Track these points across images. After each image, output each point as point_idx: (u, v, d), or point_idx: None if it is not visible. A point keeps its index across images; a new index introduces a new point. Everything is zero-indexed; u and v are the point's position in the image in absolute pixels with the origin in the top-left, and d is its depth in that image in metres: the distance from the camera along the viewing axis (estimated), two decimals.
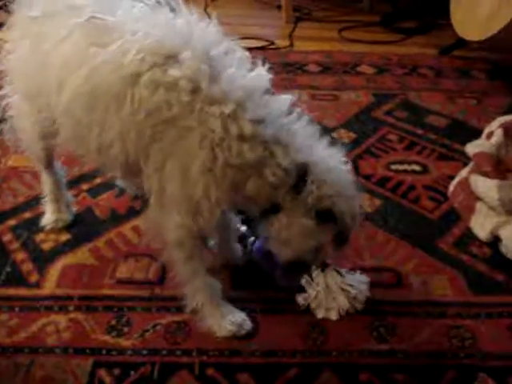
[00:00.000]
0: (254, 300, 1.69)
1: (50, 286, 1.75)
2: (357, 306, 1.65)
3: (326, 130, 2.39)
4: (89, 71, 1.38)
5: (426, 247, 1.89)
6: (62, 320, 1.64)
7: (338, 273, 1.68)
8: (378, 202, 2.10)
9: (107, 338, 1.59)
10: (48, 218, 1.97)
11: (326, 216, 1.45)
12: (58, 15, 1.48)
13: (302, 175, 1.41)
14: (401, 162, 2.32)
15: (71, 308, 1.68)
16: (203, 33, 1.40)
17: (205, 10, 3.83)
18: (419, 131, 2.54)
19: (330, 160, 1.47)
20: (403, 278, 1.77)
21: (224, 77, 1.34)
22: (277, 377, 1.48)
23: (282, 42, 3.42)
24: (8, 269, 1.81)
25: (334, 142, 1.52)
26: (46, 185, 1.97)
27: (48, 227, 1.96)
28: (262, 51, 3.30)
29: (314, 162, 1.42)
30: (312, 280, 1.66)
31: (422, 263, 1.83)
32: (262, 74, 1.41)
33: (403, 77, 3.02)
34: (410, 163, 2.32)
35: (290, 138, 1.40)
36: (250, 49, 3.10)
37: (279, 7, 3.78)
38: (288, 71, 3.07)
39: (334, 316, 1.63)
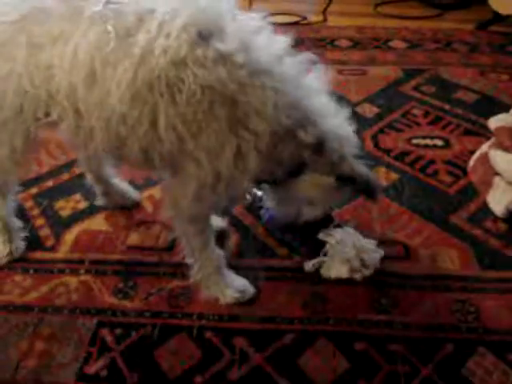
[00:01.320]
0: (258, 267, 1.71)
1: (64, 250, 1.81)
2: (364, 271, 1.65)
3: (349, 104, 2.42)
4: (136, 62, 1.25)
5: (439, 221, 1.87)
6: (72, 282, 1.70)
7: (354, 232, 1.71)
8: (394, 175, 2.08)
9: (113, 300, 1.64)
10: (1, 251, 1.77)
11: (345, 177, 1.47)
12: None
13: (322, 137, 1.41)
14: (423, 137, 2.29)
15: (82, 271, 1.73)
16: (219, 5, 1.33)
17: None
18: (446, 106, 2.49)
19: (344, 124, 1.47)
20: (411, 251, 1.76)
21: (258, 48, 1.30)
22: (272, 342, 1.50)
23: (315, 18, 3.39)
24: (27, 234, 1.87)
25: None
26: None
27: (4, 261, 1.77)
28: (294, 26, 3.28)
29: (333, 125, 1.43)
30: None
31: (432, 237, 1.81)
32: (282, 40, 1.38)
33: (436, 52, 2.96)
34: (432, 138, 2.28)
35: (316, 102, 1.40)
36: (282, 24, 3.17)
37: None
38: (318, 46, 3.06)
39: (344, 274, 1.64)
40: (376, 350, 1.48)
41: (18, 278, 1.73)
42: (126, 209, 1.97)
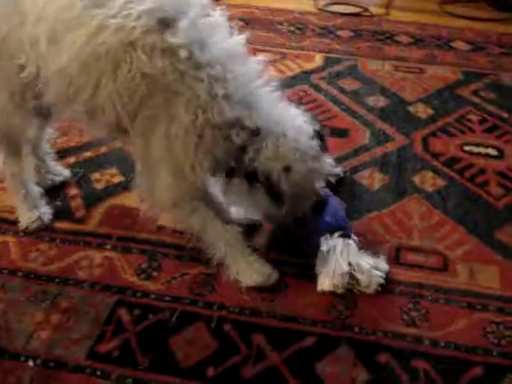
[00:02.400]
0: (286, 263, 1.65)
1: (93, 223, 1.79)
2: (356, 287, 1.55)
3: (402, 103, 2.33)
4: (90, 33, 1.35)
5: (483, 235, 1.76)
6: (96, 256, 1.68)
7: (356, 247, 1.61)
8: (441, 182, 1.98)
9: (135, 279, 1.61)
10: (29, 217, 1.77)
11: (252, 177, 1.48)
12: None
13: (251, 137, 1.45)
14: (476, 145, 2.17)
15: (108, 246, 1.71)
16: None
17: None
18: (504, 115, 2.37)
19: (287, 125, 1.48)
20: (450, 264, 1.67)
21: (210, 43, 1.40)
22: (292, 343, 1.44)
23: (377, 10, 3.28)
24: (58, 202, 1.86)
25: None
26: (12, 180, 1.78)
27: (34, 226, 1.77)
28: (355, 17, 3.19)
29: (267, 126, 1.45)
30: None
31: (474, 251, 1.71)
32: (239, 40, 1.48)
33: (499, 56, 2.82)
34: (486, 146, 2.17)
35: (257, 101, 1.45)
36: (342, 14, 3.07)
37: None
38: (377, 40, 2.96)
39: (327, 286, 1.55)
40: (399, 364, 1.40)
41: (43, 246, 1.71)
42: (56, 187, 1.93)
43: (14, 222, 1.80)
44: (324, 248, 1.59)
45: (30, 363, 1.40)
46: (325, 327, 1.48)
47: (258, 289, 1.57)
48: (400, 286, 1.59)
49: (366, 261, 1.56)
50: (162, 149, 1.44)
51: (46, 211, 1.80)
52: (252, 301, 1.55)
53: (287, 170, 1.47)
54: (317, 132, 1.54)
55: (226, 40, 1.45)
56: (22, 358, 1.41)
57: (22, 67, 1.48)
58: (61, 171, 1.95)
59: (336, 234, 1.61)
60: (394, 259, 1.67)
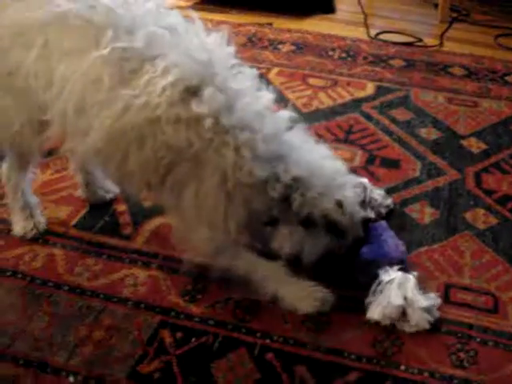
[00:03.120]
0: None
1: (140, 241, 1.80)
2: (404, 326, 1.52)
3: (455, 136, 2.30)
4: (116, 114, 1.40)
5: None
6: (141, 275, 1.68)
7: (414, 283, 1.56)
8: (493, 220, 1.93)
9: (180, 300, 1.60)
10: (24, 227, 1.79)
11: (308, 222, 1.51)
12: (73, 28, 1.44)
13: (292, 186, 1.48)
14: None
15: (154, 265, 1.71)
16: (220, 59, 1.47)
17: (359, 0, 3.75)
18: None
19: (321, 167, 1.54)
20: (501, 306, 1.61)
21: (238, 107, 1.43)
22: (336, 377, 1.41)
23: (431, 41, 3.25)
24: (107, 218, 1.87)
25: None
26: (12, 189, 1.81)
27: (30, 235, 1.79)
28: (408, 47, 3.16)
29: (305, 174, 1.49)
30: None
31: None
32: (268, 97, 1.51)
33: None
34: None
35: (289, 153, 1.49)
36: (396, 43, 3.06)
37: (436, 6, 3.59)
38: (430, 71, 2.92)
39: (375, 315, 1.52)
40: None
41: (90, 261, 1.72)
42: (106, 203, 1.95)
43: (63, 235, 1.82)
44: (383, 278, 1.56)
45: (71, 379, 1.39)
46: (370, 363, 1.45)
47: (303, 319, 1.54)
48: (448, 325, 1.55)
49: (421, 300, 1.52)
50: (193, 208, 1.48)
51: (40, 220, 1.82)
52: (296, 331, 1.52)
53: (339, 204, 1.48)
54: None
55: (254, 100, 1.47)
56: (63, 373, 1.41)
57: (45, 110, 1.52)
58: (111, 187, 1.96)
59: (395, 267, 1.58)
60: (443, 297, 1.62)
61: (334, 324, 1.54)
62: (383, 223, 1.72)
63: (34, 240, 1.80)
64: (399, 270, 1.58)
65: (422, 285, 1.60)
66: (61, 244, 1.78)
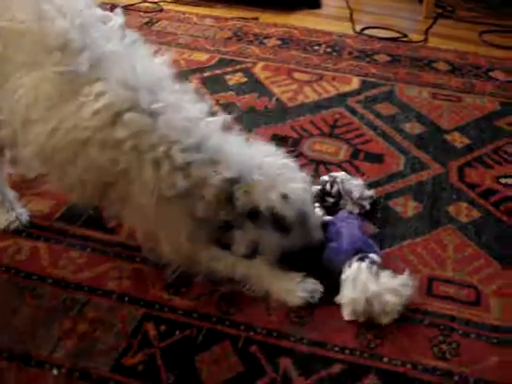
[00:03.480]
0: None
1: (124, 235, 1.79)
2: (375, 316, 1.51)
3: (439, 132, 2.31)
4: (49, 131, 1.49)
5: None
6: (126, 268, 1.67)
7: (374, 268, 1.55)
8: (476, 213, 1.95)
9: (164, 294, 1.60)
10: (6, 219, 1.80)
11: (255, 215, 1.53)
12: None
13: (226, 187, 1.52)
14: None
15: (138, 259, 1.70)
16: (155, 82, 1.55)
17: None
18: None
19: (261, 164, 1.57)
20: (483, 298, 1.63)
21: (161, 124, 1.49)
22: (319, 369, 1.41)
23: (416, 36, 3.27)
24: (91, 211, 1.86)
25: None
26: None
27: (13, 226, 1.80)
28: (393, 42, 3.18)
29: (242, 173, 1.53)
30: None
31: (508, 286, 1.67)
32: (199, 107, 1.59)
33: None
34: None
35: (220, 156, 1.53)
36: (381, 39, 3.06)
37: (421, 1, 3.60)
38: (415, 66, 2.94)
39: (345, 315, 1.52)
40: None
41: (74, 254, 1.72)
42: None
43: (46, 228, 1.81)
44: (342, 276, 1.56)
45: (55, 372, 1.39)
46: (353, 355, 1.45)
47: (287, 311, 1.55)
48: (431, 317, 1.56)
49: (376, 284, 1.50)
50: (141, 224, 1.60)
51: (22, 212, 1.83)
52: (279, 323, 1.53)
53: (285, 197, 1.50)
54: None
55: (179, 115, 1.52)
56: (47, 366, 1.40)
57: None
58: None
59: (354, 259, 1.57)
60: (426, 290, 1.64)
61: (317, 316, 1.55)
62: (342, 214, 1.73)
63: (18, 233, 1.79)
64: (357, 260, 1.56)
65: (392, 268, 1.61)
66: (44, 237, 1.78)
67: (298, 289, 1.56)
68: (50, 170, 1.62)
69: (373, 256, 1.59)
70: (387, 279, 1.53)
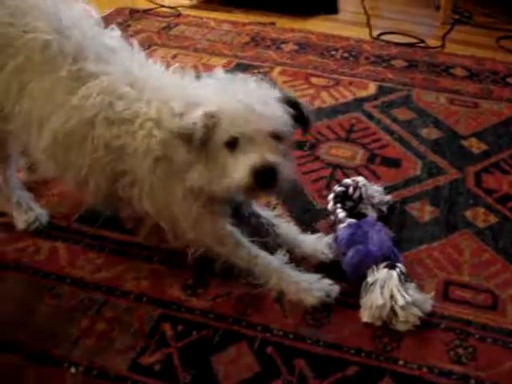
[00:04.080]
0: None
1: (143, 235, 1.80)
2: (393, 322, 1.52)
3: (456, 136, 2.31)
4: (63, 116, 1.56)
5: None
6: (144, 269, 1.69)
7: (402, 278, 1.56)
8: (493, 218, 1.94)
9: (181, 294, 1.61)
10: (26, 220, 1.83)
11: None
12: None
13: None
14: None
15: (156, 259, 1.71)
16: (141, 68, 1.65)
17: (362, 0, 3.77)
18: None
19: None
20: (500, 303, 1.63)
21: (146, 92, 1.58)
22: (335, 371, 1.42)
23: (433, 42, 3.27)
24: (109, 212, 1.88)
25: None
26: (4, 185, 1.85)
27: (33, 226, 1.83)
28: (410, 48, 3.18)
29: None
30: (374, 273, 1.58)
31: None
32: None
33: None
34: None
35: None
36: (398, 44, 3.07)
37: (439, 7, 3.61)
38: (432, 72, 2.94)
39: (365, 317, 1.53)
40: None
41: (92, 255, 1.74)
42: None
43: (65, 229, 1.83)
44: (368, 279, 1.57)
45: (73, 370, 1.41)
46: (368, 357, 1.46)
47: (304, 313, 1.56)
48: (447, 322, 1.56)
49: (406, 296, 1.52)
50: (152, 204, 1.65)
51: (41, 212, 1.85)
52: (296, 325, 1.53)
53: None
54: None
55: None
56: (65, 365, 1.42)
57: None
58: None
59: (381, 265, 1.58)
60: (443, 294, 1.64)
61: (333, 318, 1.55)
62: (369, 219, 1.73)
63: (37, 234, 1.81)
64: (385, 266, 1.57)
65: (422, 282, 1.62)
66: (63, 238, 1.80)
67: (315, 288, 1.56)
68: (63, 163, 1.64)
69: (401, 266, 1.59)
70: (413, 292, 1.55)
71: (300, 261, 1.69)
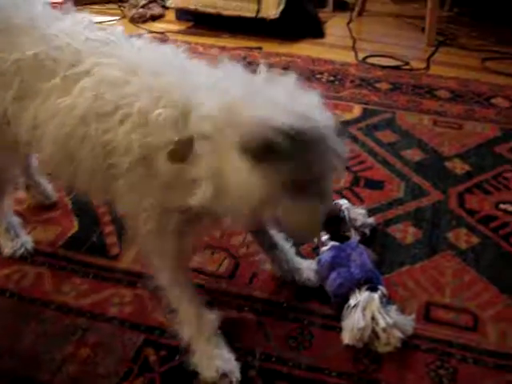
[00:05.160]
0: (314, 313, 1.65)
1: (126, 261, 1.83)
2: (375, 344, 1.53)
3: (439, 158, 2.34)
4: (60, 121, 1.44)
5: None
6: (127, 294, 1.70)
7: (384, 300, 1.59)
8: (475, 239, 1.96)
9: (164, 319, 1.61)
10: (12, 247, 1.84)
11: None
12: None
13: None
14: None
15: (139, 285, 1.73)
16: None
17: (348, 24, 3.82)
18: None
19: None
20: (480, 324, 1.64)
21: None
22: None
23: (417, 64, 3.31)
24: (94, 239, 1.90)
25: None
26: None
27: (18, 253, 1.84)
28: (395, 70, 3.23)
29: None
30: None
31: (506, 312, 1.68)
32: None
33: None
34: None
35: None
36: (384, 67, 3.11)
37: (424, 29, 3.66)
38: (416, 94, 2.97)
39: (346, 340, 1.54)
40: None
41: (77, 280, 1.75)
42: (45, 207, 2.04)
43: (51, 254, 1.84)
44: (350, 302, 1.59)
45: None
46: (351, 380, 1.47)
47: (287, 337, 1.57)
48: (428, 343, 1.57)
49: (387, 318, 1.54)
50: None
51: (27, 239, 1.87)
52: (278, 348, 1.54)
53: None
54: None
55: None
56: None
57: None
58: (50, 193, 2.07)
59: (363, 288, 1.60)
60: (424, 315, 1.65)
61: (315, 341, 1.57)
62: (352, 242, 1.75)
63: (23, 260, 1.82)
64: (367, 289, 1.59)
65: (403, 304, 1.64)
66: (49, 263, 1.81)
67: (214, 366, 1.45)
68: (63, 164, 1.50)
69: (382, 288, 1.61)
70: (394, 314, 1.56)
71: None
